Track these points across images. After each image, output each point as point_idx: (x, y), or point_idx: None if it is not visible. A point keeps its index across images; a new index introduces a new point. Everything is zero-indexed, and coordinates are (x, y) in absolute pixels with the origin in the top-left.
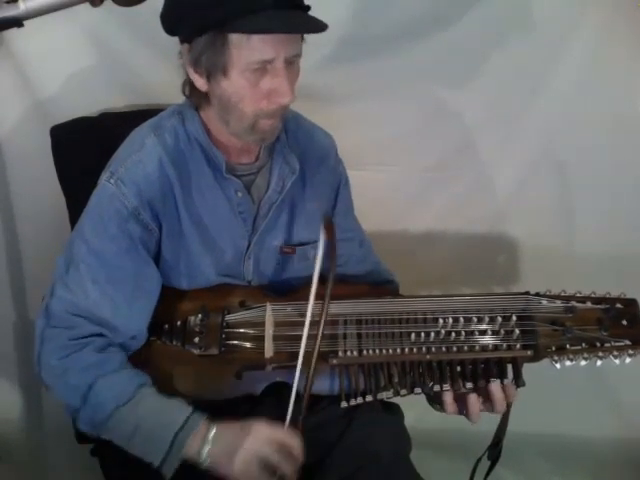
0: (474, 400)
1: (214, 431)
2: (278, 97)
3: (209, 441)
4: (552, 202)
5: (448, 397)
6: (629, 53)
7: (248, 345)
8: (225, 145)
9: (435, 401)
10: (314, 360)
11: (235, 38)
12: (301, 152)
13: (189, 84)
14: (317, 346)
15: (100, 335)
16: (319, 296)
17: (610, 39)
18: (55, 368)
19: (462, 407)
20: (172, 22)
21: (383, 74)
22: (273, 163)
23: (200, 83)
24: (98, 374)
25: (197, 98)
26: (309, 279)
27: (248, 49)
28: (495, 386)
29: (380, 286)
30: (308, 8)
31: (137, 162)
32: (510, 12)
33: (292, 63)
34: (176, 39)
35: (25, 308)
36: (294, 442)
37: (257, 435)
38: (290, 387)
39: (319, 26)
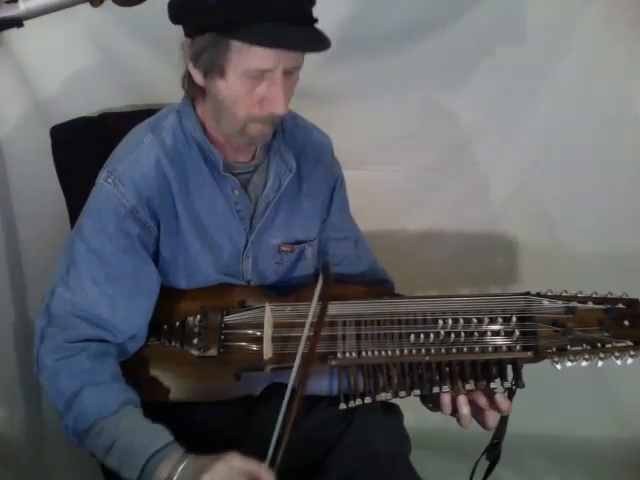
0: (462, 402)
1: (187, 461)
2: (271, 106)
3: (179, 471)
4: (551, 202)
5: (445, 399)
6: (629, 53)
7: (247, 346)
8: (222, 143)
9: (429, 401)
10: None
11: (236, 44)
12: (298, 151)
13: (188, 76)
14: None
15: (98, 340)
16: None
17: (610, 39)
18: (49, 369)
19: (455, 408)
20: (177, 13)
21: (382, 74)
22: (270, 161)
23: (198, 78)
24: (86, 383)
25: (194, 91)
26: (308, 278)
27: (248, 56)
28: (483, 400)
29: (375, 286)
30: (315, 20)
31: (134, 161)
32: (509, 12)
33: (291, 73)
34: (175, 37)
35: (25, 308)
36: (267, 477)
37: (228, 462)
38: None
39: (322, 44)
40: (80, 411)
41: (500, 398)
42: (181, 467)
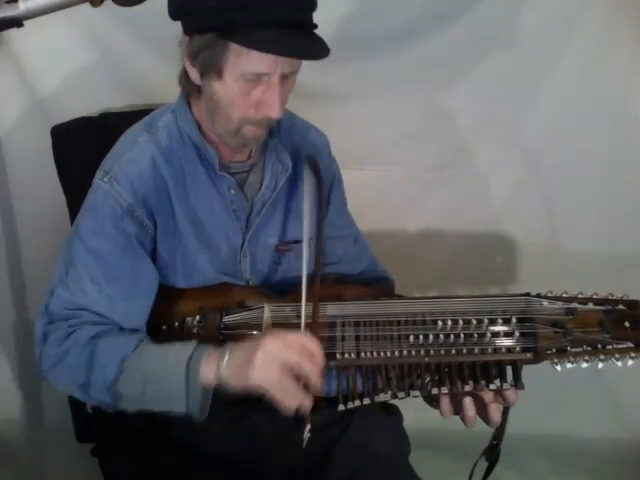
0: (469, 404)
1: (229, 350)
2: (266, 109)
3: (225, 360)
4: (551, 202)
5: (444, 401)
6: (629, 53)
7: None
8: (217, 143)
9: (431, 399)
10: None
11: (235, 47)
12: (294, 150)
13: (185, 74)
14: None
15: (100, 323)
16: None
17: (610, 39)
18: (54, 356)
19: (458, 408)
20: (177, 11)
21: (382, 74)
22: (266, 161)
23: (195, 76)
24: (98, 342)
25: (190, 89)
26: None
27: (246, 60)
28: (489, 396)
29: (375, 284)
30: (315, 26)
31: (130, 160)
32: (509, 12)
33: (287, 77)
34: (175, 37)
35: (25, 308)
36: (313, 344)
37: (274, 340)
38: None
39: (321, 52)
40: (103, 361)
41: (508, 391)
42: (224, 362)
